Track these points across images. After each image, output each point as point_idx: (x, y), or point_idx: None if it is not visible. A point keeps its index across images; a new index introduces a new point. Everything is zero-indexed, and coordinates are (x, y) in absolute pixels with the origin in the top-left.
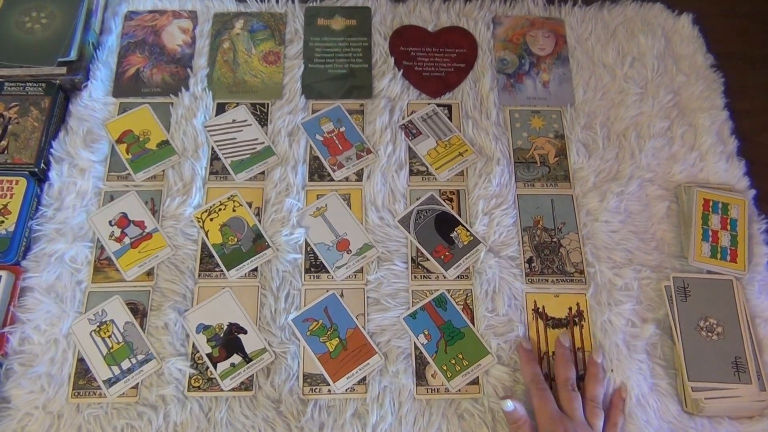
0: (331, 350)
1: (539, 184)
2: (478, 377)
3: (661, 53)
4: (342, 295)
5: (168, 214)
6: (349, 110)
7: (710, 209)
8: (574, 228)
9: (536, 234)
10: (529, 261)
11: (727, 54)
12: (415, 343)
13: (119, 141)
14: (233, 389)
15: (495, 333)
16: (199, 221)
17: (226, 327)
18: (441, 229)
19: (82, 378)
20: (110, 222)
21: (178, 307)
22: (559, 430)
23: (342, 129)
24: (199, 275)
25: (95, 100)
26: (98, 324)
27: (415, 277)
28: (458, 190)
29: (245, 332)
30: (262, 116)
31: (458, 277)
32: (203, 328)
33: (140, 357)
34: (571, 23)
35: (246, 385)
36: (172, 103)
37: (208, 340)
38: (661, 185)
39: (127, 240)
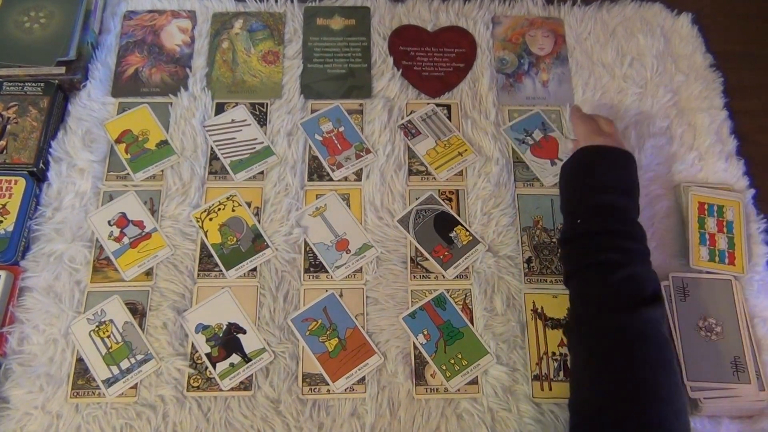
0: (330, 350)
1: (538, 184)
2: (477, 377)
3: (661, 53)
4: (341, 295)
5: (167, 213)
6: (348, 110)
7: (706, 212)
8: None
9: (536, 234)
10: (528, 261)
11: (726, 53)
12: (414, 343)
13: (118, 141)
14: (232, 389)
15: (494, 333)
16: (198, 221)
17: (225, 327)
18: (440, 229)
19: (81, 378)
20: (109, 222)
21: (177, 307)
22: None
23: (341, 129)
24: (198, 275)
25: (94, 99)
26: (97, 324)
27: (414, 276)
28: (457, 190)
29: (244, 332)
30: (261, 116)
31: (457, 276)
32: (202, 328)
33: (139, 357)
34: (571, 23)
35: (245, 385)
36: (171, 103)
37: (207, 340)
38: (661, 185)
39: (126, 240)
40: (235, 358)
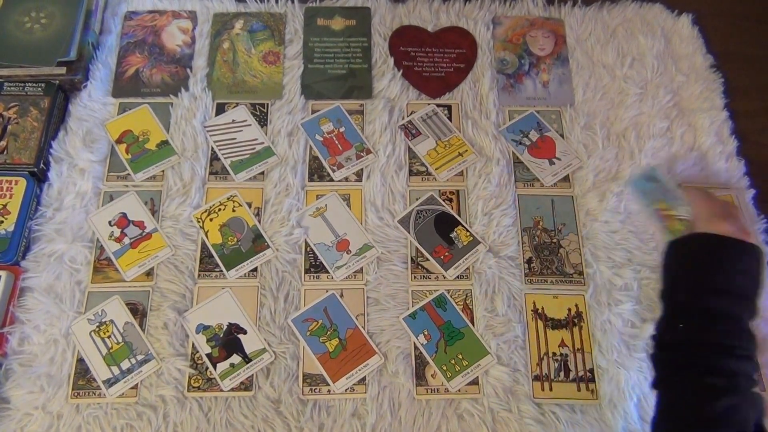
0: (330, 350)
1: (539, 184)
2: (477, 377)
3: (661, 53)
4: (342, 296)
5: (167, 214)
6: (349, 110)
7: None
8: (573, 229)
9: (536, 235)
10: (529, 261)
11: (726, 54)
12: (414, 344)
13: (119, 141)
14: (233, 389)
15: (494, 333)
16: (198, 221)
17: (225, 327)
18: (441, 230)
19: (82, 378)
20: (110, 222)
21: (177, 308)
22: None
23: (342, 129)
24: (199, 275)
25: (95, 100)
26: (98, 324)
27: (414, 277)
28: (458, 191)
29: (245, 332)
30: (261, 116)
31: (458, 277)
32: (203, 329)
33: (140, 357)
34: (571, 23)
35: (246, 386)
36: (171, 104)
37: (208, 341)
38: None
39: (126, 240)
40: (235, 359)
